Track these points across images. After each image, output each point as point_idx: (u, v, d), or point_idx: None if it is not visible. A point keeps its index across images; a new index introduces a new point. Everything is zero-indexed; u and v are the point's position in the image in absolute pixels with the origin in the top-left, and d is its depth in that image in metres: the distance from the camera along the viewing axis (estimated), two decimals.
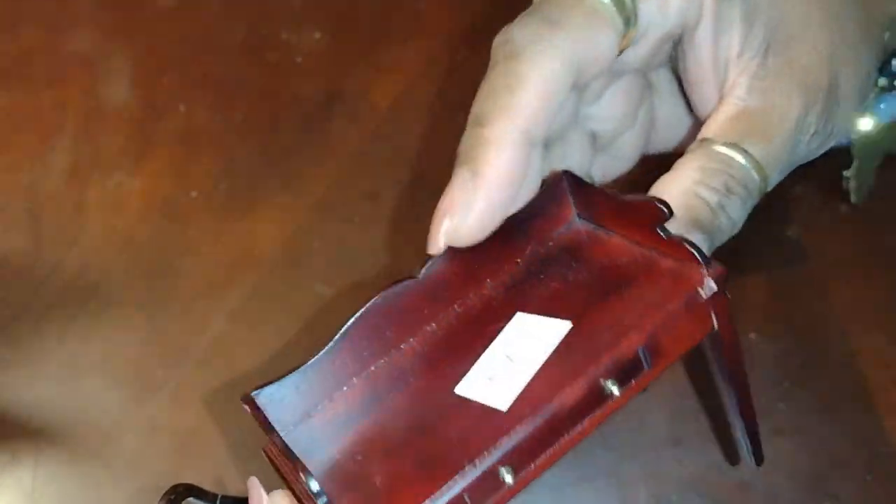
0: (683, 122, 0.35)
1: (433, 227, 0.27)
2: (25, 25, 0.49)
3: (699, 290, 0.24)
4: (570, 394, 0.22)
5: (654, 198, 0.25)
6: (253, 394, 0.24)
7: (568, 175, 0.27)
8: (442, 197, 0.27)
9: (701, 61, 0.30)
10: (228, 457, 0.38)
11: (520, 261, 0.27)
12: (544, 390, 0.23)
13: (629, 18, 0.27)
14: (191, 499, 0.30)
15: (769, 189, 0.30)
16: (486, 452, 0.22)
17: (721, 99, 0.31)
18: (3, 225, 0.44)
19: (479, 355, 0.25)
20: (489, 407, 0.23)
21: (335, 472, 0.24)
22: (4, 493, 0.38)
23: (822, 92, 0.30)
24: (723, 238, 0.29)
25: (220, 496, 0.31)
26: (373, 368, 0.26)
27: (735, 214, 0.29)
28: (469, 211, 0.26)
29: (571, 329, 0.24)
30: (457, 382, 0.25)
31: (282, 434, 0.24)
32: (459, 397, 0.24)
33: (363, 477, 0.23)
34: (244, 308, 0.42)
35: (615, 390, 0.23)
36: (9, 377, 0.41)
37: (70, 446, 0.39)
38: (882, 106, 0.39)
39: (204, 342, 0.41)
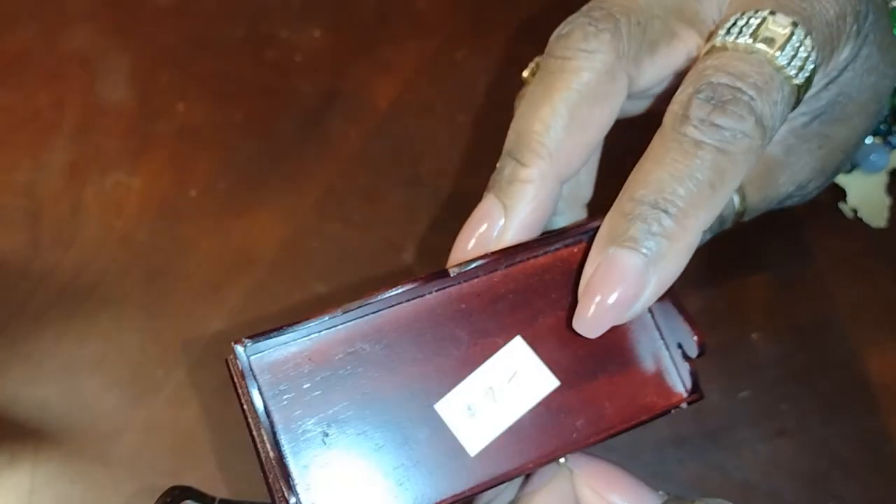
0: None
1: (459, 244, 0.26)
2: (23, 24, 0.49)
3: (674, 410, 0.27)
4: (529, 467, 0.25)
5: (701, 335, 0.26)
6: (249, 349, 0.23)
7: None
8: (471, 218, 0.26)
9: None
10: (227, 457, 0.38)
11: (540, 273, 0.26)
12: (511, 452, 0.25)
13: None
14: (188, 501, 0.30)
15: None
16: (442, 496, 0.24)
17: None
18: (1, 224, 0.44)
19: (467, 368, 0.25)
20: (459, 443, 0.24)
21: (302, 445, 0.23)
22: (3, 494, 0.38)
23: (828, 174, 0.30)
24: None
25: (217, 499, 0.31)
26: (361, 321, 0.25)
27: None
28: (638, 301, 0.24)
29: (557, 388, 0.25)
30: (438, 393, 0.24)
31: (253, 375, 0.23)
32: (436, 415, 0.24)
33: (331, 464, 0.23)
34: (243, 308, 0.42)
35: (562, 461, 0.26)
36: (7, 378, 0.40)
37: (69, 447, 0.39)
38: (872, 158, 0.40)
39: (203, 342, 0.41)
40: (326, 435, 0.24)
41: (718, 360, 0.40)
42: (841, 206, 0.42)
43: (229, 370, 0.23)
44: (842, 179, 0.42)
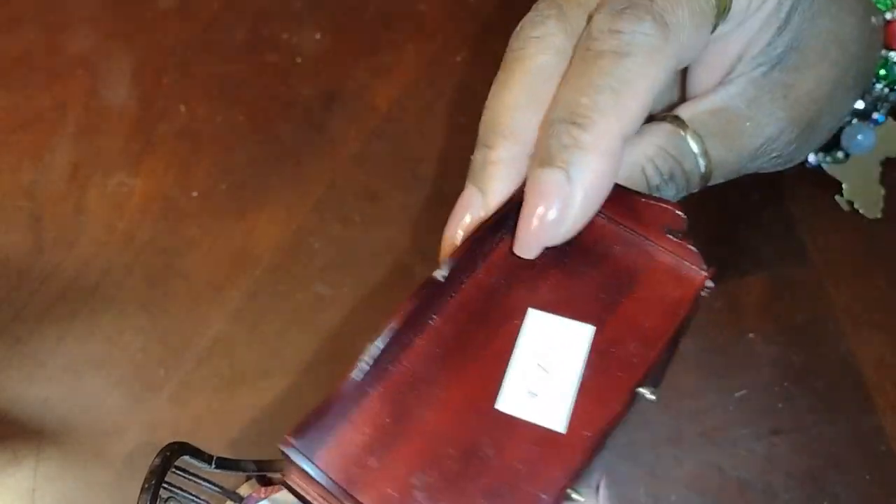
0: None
1: (447, 234, 0.27)
2: (25, 25, 0.49)
3: (703, 293, 0.26)
4: (618, 410, 0.23)
5: (674, 205, 0.25)
6: (295, 443, 0.22)
7: None
8: (454, 208, 0.27)
9: (726, 50, 0.30)
10: (228, 455, 0.38)
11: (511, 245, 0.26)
12: (593, 407, 0.23)
13: (721, 16, 0.27)
14: (186, 457, 0.30)
15: (711, 183, 0.31)
16: (560, 482, 0.22)
17: (698, 97, 0.31)
18: (3, 225, 0.44)
19: (502, 360, 0.24)
20: (545, 428, 0.23)
21: None
22: (5, 492, 0.38)
23: (802, 126, 0.30)
24: None
25: (215, 457, 0.31)
26: (387, 376, 0.24)
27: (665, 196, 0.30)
28: (568, 214, 0.24)
29: (594, 332, 0.25)
30: (491, 395, 0.24)
31: (326, 476, 0.22)
32: (504, 415, 0.23)
33: None
34: (244, 308, 0.42)
35: (647, 394, 0.24)
36: (9, 377, 0.41)
37: (71, 446, 0.39)
38: (859, 138, 0.40)
39: (204, 342, 0.41)
40: (414, 488, 0.22)
41: (715, 359, 0.40)
42: (837, 199, 0.42)
43: (290, 489, 0.22)
44: (836, 172, 0.42)
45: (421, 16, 0.49)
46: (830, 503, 0.37)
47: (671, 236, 0.26)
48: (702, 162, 0.30)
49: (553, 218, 0.24)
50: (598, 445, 0.23)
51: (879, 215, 0.42)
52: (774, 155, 0.31)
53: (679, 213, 0.26)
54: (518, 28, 0.28)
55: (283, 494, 0.33)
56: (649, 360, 0.24)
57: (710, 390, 0.39)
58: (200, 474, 0.31)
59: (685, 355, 0.40)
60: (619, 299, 0.26)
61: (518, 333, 0.25)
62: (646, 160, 0.29)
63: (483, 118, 0.27)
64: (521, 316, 0.25)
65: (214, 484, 0.32)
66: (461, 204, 0.27)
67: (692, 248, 0.26)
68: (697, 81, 0.32)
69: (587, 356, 0.24)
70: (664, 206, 0.26)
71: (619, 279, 0.26)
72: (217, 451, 0.31)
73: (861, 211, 0.42)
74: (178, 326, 0.42)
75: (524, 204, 0.25)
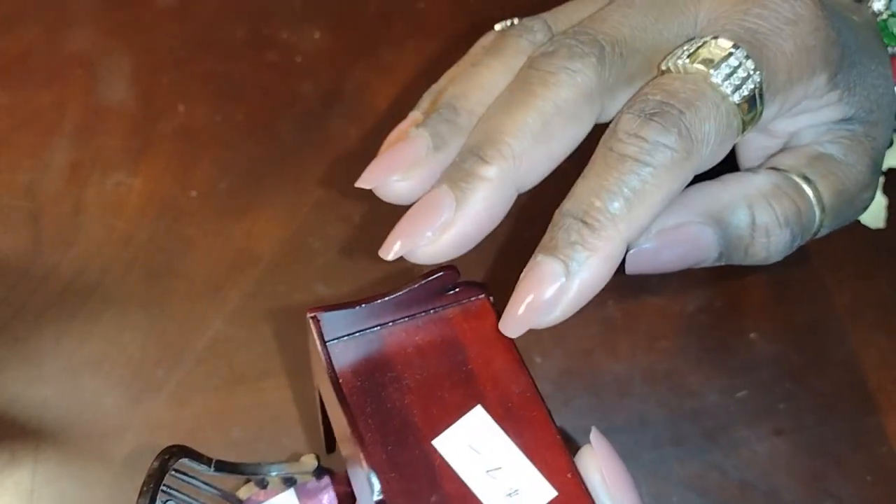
0: None
1: (405, 228, 0.27)
2: (24, 25, 0.49)
3: (493, 304, 0.27)
4: (559, 437, 0.25)
5: (437, 269, 0.26)
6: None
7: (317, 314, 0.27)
8: (420, 203, 0.26)
9: (777, 133, 0.30)
10: (228, 456, 0.38)
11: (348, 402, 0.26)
12: (550, 454, 0.25)
13: (748, 126, 0.27)
14: (185, 460, 0.30)
15: (816, 237, 0.30)
16: None
17: (787, 148, 0.31)
18: (1, 225, 0.44)
19: (468, 494, 0.25)
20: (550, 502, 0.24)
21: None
22: (4, 493, 0.38)
23: (878, 170, 0.31)
24: (750, 259, 0.29)
25: (214, 460, 0.31)
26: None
27: (775, 249, 0.29)
28: (558, 305, 0.24)
29: (483, 406, 0.26)
30: None
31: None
32: None
33: None
34: (244, 308, 0.42)
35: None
36: (7, 377, 0.40)
37: (69, 446, 0.39)
38: None
39: (203, 342, 0.41)
40: None
41: (717, 359, 0.40)
42: None
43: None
44: None
45: (421, 15, 0.49)
46: None
47: (450, 291, 0.27)
48: (816, 204, 0.29)
49: (544, 304, 0.24)
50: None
51: (883, 226, 0.42)
52: (860, 206, 0.31)
53: (443, 271, 0.26)
54: (550, 49, 0.26)
55: (283, 497, 0.33)
56: (531, 384, 0.26)
57: (712, 391, 0.39)
58: (199, 477, 0.31)
59: (686, 356, 0.40)
60: (467, 369, 0.26)
61: (451, 467, 0.25)
62: (759, 198, 0.28)
63: (483, 126, 0.26)
64: (435, 454, 0.25)
65: (213, 487, 0.31)
66: (430, 201, 0.26)
67: (465, 287, 0.27)
68: (750, 154, 0.32)
69: (501, 429, 0.25)
70: (429, 278, 0.26)
71: (451, 356, 0.27)
72: (216, 451, 0.31)
73: (863, 222, 0.42)
74: (177, 326, 0.41)
75: (520, 285, 0.25)
